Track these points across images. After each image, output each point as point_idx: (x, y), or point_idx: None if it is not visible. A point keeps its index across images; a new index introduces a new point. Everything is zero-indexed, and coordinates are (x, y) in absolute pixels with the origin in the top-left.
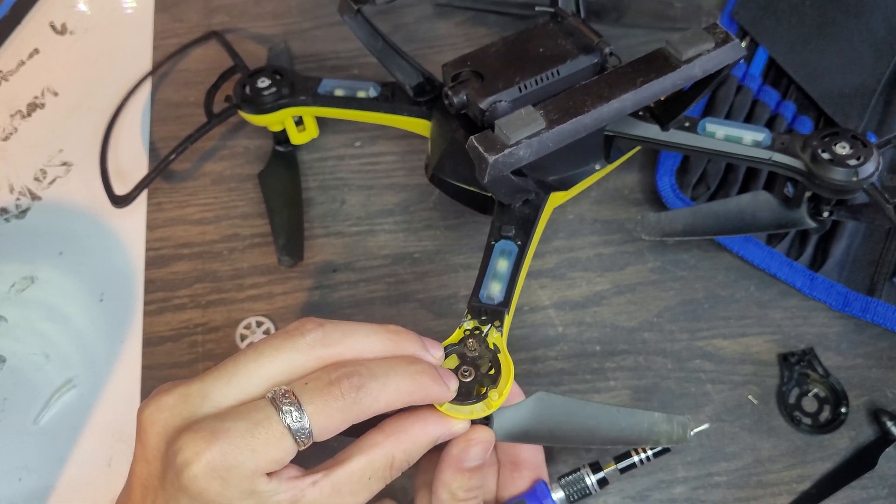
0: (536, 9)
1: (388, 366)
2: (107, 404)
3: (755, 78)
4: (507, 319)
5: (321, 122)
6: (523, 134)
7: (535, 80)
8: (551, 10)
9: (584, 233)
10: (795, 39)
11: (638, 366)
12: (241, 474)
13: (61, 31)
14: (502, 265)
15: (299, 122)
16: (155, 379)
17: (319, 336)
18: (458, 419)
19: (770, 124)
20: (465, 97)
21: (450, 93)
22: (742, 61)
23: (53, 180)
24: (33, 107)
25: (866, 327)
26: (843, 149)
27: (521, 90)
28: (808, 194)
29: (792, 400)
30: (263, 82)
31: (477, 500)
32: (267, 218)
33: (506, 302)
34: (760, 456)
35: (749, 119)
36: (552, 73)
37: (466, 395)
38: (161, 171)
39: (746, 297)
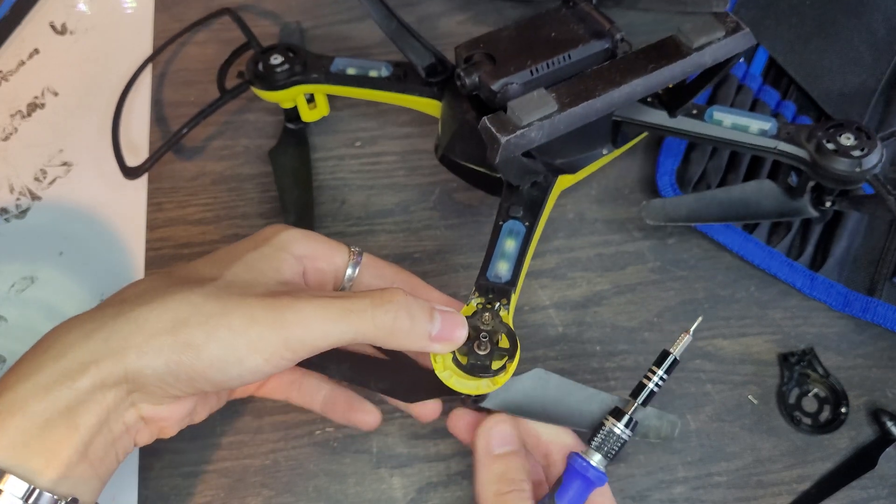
0: None
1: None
2: None
3: (755, 78)
4: (514, 298)
5: (324, 117)
6: (535, 116)
7: (547, 64)
8: None
9: (584, 233)
10: (796, 39)
11: (638, 366)
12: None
13: (61, 31)
14: (510, 245)
15: (311, 99)
16: None
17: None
18: (458, 390)
19: None
20: (477, 79)
21: (462, 74)
22: (742, 61)
23: (53, 180)
24: (33, 107)
25: (866, 327)
26: (847, 140)
27: (532, 73)
28: (811, 184)
29: (792, 400)
30: (276, 59)
31: (524, 494)
32: (267, 218)
33: (513, 281)
34: (760, 456)
35: None
36: (563, 58)
37: (482, 368)
38: (173, 144)
39: (746, 297)
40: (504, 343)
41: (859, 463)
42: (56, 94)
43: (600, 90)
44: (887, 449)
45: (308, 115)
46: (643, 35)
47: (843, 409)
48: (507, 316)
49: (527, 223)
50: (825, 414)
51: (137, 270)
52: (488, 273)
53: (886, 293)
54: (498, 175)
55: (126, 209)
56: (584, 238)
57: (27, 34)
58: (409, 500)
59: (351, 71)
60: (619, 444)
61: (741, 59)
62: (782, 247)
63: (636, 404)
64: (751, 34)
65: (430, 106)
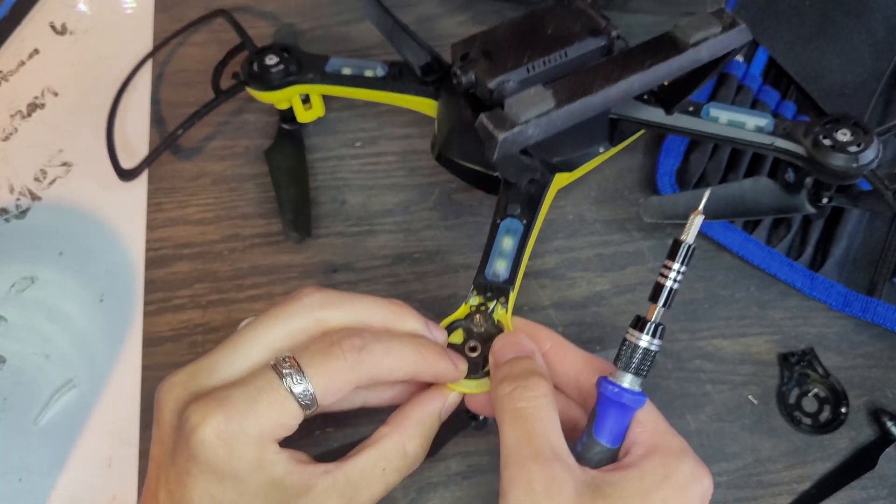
0: None
1: (391, 335)
2: (107, 404)
3: (755, 78)
4: (512, 297)
5: (323, 118)
6: (533, 113)
7: (543, 61)
8: None
9: (584, 233)
10: (795, 39)
11: None
12: (246, 441)
13: (61, 31)
14: (507, 243)
15: (306, 100)
16: (155, 379)
17: (318, 299)
18: (455, 390)
19: None
20: (473, 76)
21: (458, 72)
22: (742, 61)
23: (53, 180)
24: (33, 107)
25: (866, 327)
26: (844, 135)
27: (528, 70)
28: (809, 180)
29: (792, 400)
30: (271, 59)
31: (528, 383)
32: (267, 218)
33: (511, 279)
34: (760, 456)
35: None
36: (560, 55)
37: (473, 369)
38: (169, 145)
39: (746, 297)
40: (491, 343)
41: (859, 463)
42: (56, 94)
43: (597, 87)
44: (887, 449)
45: (303, 115)
46: (639, 37)
47: (843, 409)
48: (506, 315)
49: (524, 221)
50: (825, 414)
51: (137, 270)
52: (486, 272)
53: (886, 293)
54: (495, 173)
55: (126, 209)
56: (583, 238)
57: (27, 34)
58: (409, 500)
59: (346, 71)
60: (650, 358)
61: (741, 60)
62: (782, 247)
63: (658, 308)
64: (747, 30)
65: (426, 105)
